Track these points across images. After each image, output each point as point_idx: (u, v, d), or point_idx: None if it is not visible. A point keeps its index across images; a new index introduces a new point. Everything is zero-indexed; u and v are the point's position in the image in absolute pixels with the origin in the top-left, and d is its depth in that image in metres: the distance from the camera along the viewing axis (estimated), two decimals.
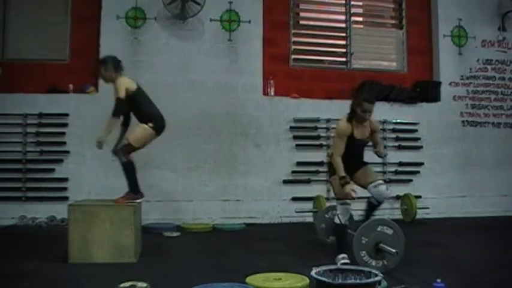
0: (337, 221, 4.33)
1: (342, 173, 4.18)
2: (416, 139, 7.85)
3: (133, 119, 4.99)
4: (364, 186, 4.52)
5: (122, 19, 7.07)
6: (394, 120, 7.77)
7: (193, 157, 7.10)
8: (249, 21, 7.38)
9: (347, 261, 4.15)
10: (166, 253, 4.93)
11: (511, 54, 8.39)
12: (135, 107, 4.85)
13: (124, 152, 4.72)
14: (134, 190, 4.76)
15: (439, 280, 3.20)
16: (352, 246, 4.14)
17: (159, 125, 4.87)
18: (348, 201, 4.28)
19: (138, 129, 4.83)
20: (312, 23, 8.23)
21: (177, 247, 5.27)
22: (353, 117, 4.31)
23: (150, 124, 4.80)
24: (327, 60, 8.18)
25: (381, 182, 4.51)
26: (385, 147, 7.66)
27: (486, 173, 8.04)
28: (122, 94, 4.69)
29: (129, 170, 4.76)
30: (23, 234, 6.04)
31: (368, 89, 4.38)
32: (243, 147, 7.28)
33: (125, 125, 5.00)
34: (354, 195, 4.16)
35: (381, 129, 7.62)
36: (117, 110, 4.69)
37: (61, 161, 6.85)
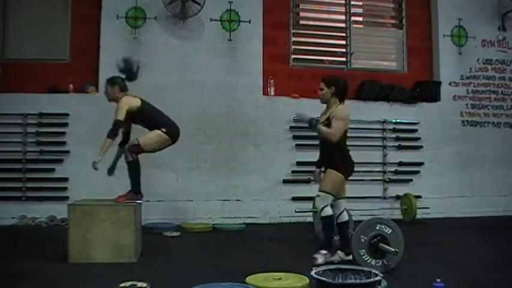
0: (322, 213, 4.40)
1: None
2: (416, 139, 7.85)
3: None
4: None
5: (122, 19, 7.06)
6: (394, 120, 7.77)
7: (193, 157, 7.10)
8: (249, 21, 7.38)
9: (323, 258, 4.26)
10: (166, 253, 4.93)
11: (511, 54, 8.39)
12: (146, 119, 4.86)
13: (131, 151, 4.72)
14: (136, 190, 4.77)
15: (439, 280, 3.20)
16: (351, 245, 4.16)
17: (173, 131, 4.89)
18: (330, 195, 4.39)
19: (151, 134, 4.84)
20: (312, 23, 8.22)
21: (177, 247, 5.26)
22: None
23: (163, 129, 4.81)
24: (327, 60, 8.17)
25: (318, 193, 4.47)
26: (385, 147, 7.67)
27: (486, 173, 8.04)
28: (121, 116, 4.69)
29: (134, 170, 4.77)
30: (23, 234, 6.04)
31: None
32: (243, 147, 7.28)
33: (122, 145, 4.97)
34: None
35: (381, 129, 7.70)
36: (113, 132, 4.67)
37: (61, 161, 6.85)
